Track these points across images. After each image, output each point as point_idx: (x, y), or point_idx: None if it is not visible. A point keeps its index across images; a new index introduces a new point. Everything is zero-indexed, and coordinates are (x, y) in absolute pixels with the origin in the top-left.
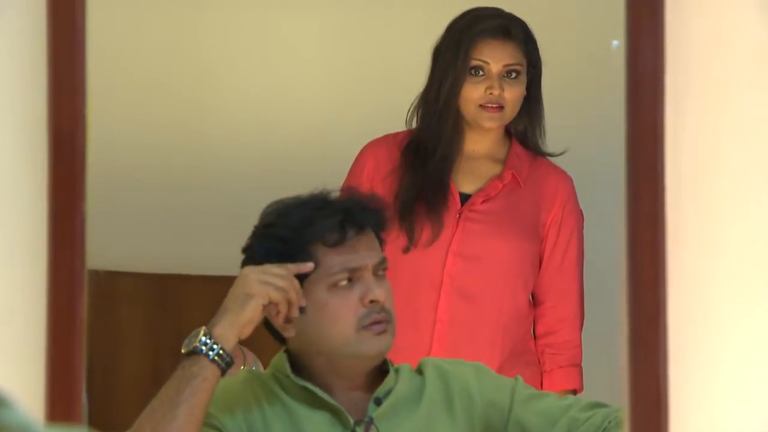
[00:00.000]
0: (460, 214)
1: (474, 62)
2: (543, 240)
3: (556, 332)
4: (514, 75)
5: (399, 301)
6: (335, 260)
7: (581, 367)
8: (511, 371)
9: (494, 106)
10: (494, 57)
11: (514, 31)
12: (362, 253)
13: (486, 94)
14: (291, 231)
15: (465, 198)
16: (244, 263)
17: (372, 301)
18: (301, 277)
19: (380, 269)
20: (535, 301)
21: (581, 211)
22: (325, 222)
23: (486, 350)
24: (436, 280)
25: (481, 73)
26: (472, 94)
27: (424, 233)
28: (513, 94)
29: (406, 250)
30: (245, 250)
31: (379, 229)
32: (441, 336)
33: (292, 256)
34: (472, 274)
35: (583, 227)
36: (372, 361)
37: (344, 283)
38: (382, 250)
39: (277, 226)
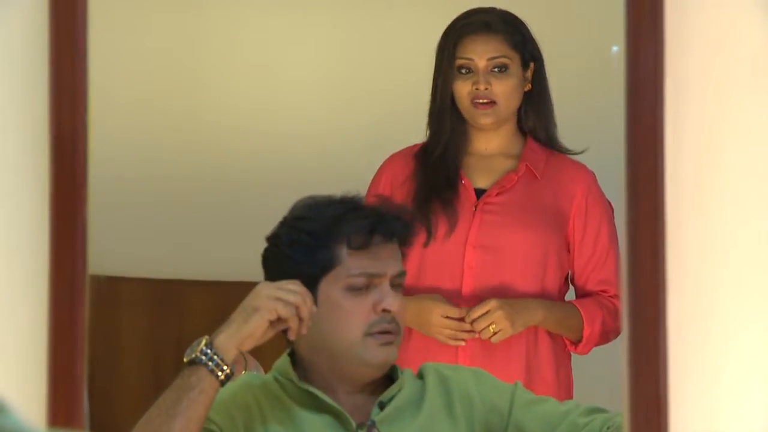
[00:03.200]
0: (476, 207)
1: (459, 61)
2: (570, 232)
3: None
4: (502, 69)
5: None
6: (357, 263)
7: (602, 321)
8: (537, 368)
9: (484, 102)
10: (477, 52)
11: (495, 24)
12: (384, 260)
13: (473, 90)
14: (320, 226)
15: (482, 194)
16: (266, 252)
17: (384, 310)
18: (319, 274)
19: (398, 281)
20: (576, 296)
21: (609, 201)
22: (355, 224)
23: (514, 339)
24: (457, 274)
25: (468, 70)
26: (462, 91)
27: (441, 226)
28: (502, 88)
29: (425, 244)
30: (270, 239)
31: (404, 241)
32: None
33: (317, 252)
34: (492, 265)
35: (613, 216)
36: (374, 370)
37: (361, 287)
38: (404, 263)
39: (307, 220)
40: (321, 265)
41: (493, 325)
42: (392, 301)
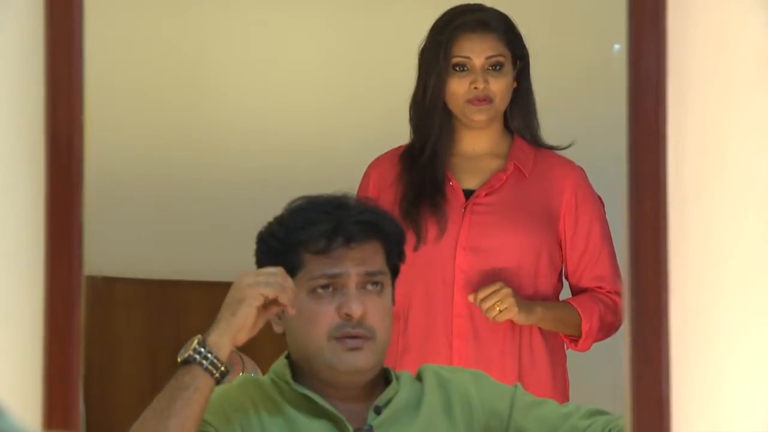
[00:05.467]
0: (465, 208)
1: (456, 60)
2: (562, 229)
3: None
4: (498, 67)
5: (417, 300)
6: (317, 266)
7: (600, 316)
8: (532, 367)
9: (481, 99)
10: (475, 51)
11: (492, 22)
12: (347, 263)
13: (471, 89)
14: (286, 232)
15: (470, 195)
16: (255, 251)
17: (347, 315)
18: None
19: (370, 283)
20: (572, 293)
21: (599, 197)
22: (315, 229)
23: (508, 339)
24: (449, 277)
25: (464, 69)
26: (458, 89)
27: (430, 229)
28: (499, 86)
29: (415, 248)
30: (256, 240)
31: (387, 241)
32: (461, 331)
33: (285, 256)
34: (483, 266)
35: (604, 212)
36: (346, 376)
37: (325, 289)
38: (398, 261)
39: (280, 225)
40: (288, 270)
41: (499, 303)
42: (355, 306)
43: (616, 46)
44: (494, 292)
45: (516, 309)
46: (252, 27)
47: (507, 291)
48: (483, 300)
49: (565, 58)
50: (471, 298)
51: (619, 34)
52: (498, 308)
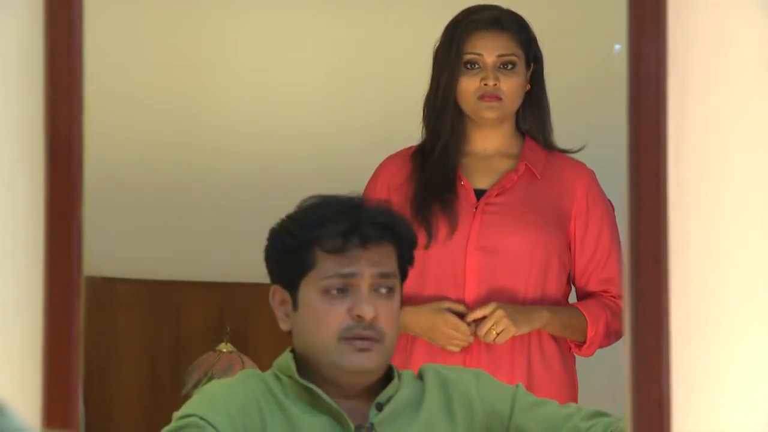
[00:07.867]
0: (476, 208)
1: (468, 56)
2: (572, 232)
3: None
4: (510, 66)
5: (427, 299)
6: (330, 265)
7: (606, 322)
8: (541, 372)
9: (491, 96)
10: (487, 48)
11: (506, 21)
12: (361, 263)
13: (481, 86)
14: (302, 229)
15: (482, 195)
16: (265, 249)
17: (359, 316)
18: (299, 276)
19: (382, 285)
20: (577, 296)
21: (609, 200)
22: (330, 229)
23: (517, 340)
24: (460, 277)
25: (476, 66)
26: (469, 87)
27: (441, 228)
28: (510, 85)
29: (426, 246)
30: (267, 236)
31: (400, 244)
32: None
33: (296, 254)
34: (494, 267)
35: (614, 216)
36: (352, 376)
37: (336, 290)
38: (408, 265)
39: (295, 221)
40: (300, 268)
41: (495, 327)
42: (367, 308)
43: (617, 46)
44: (487, 316)
45: (514, 328)
46: (252, 29)
47: (500, 313)
48: (478, 326)
49: (566, 58)
50: (467, 319)
51: (619, 34)
52: (494, 331)
